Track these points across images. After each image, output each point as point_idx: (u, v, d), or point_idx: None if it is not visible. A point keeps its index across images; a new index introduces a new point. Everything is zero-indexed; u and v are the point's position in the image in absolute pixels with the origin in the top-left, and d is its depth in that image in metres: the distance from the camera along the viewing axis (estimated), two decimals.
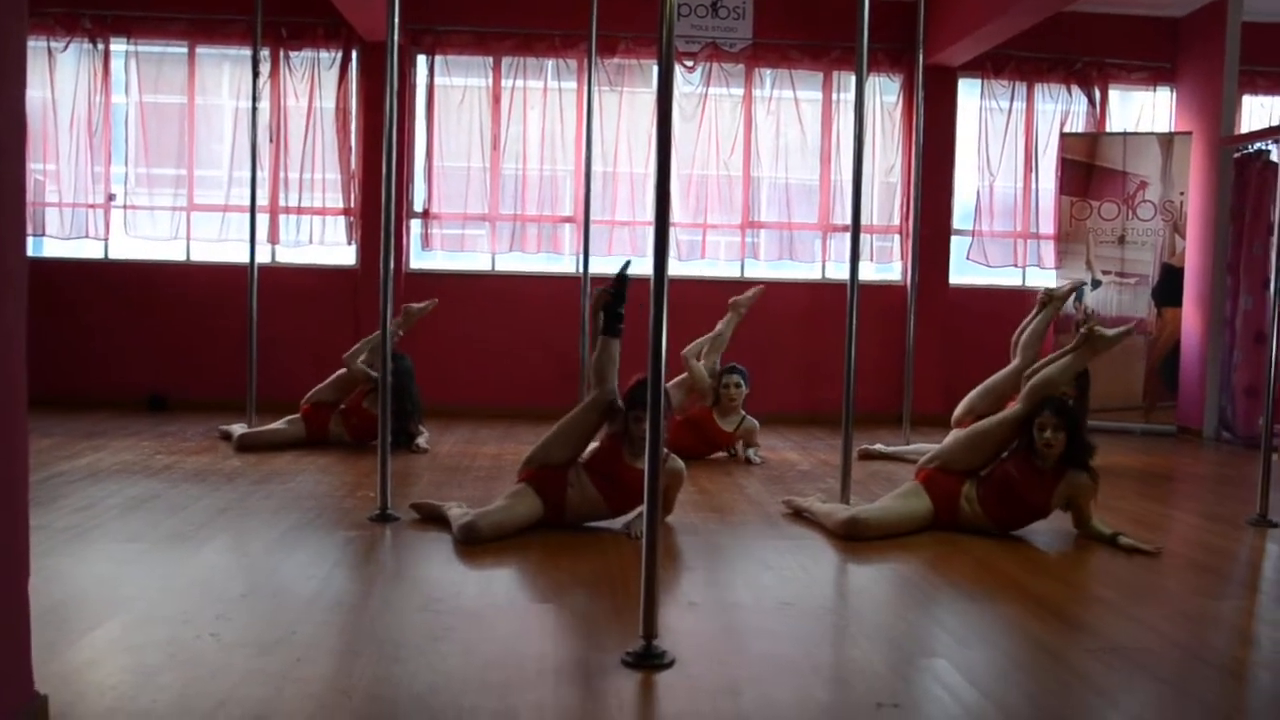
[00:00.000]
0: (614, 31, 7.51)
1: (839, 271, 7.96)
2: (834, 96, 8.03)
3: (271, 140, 7.64)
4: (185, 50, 7.72)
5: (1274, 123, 7.98)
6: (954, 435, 4.76)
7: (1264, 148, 7.23)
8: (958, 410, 5.67)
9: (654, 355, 2.62)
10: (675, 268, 7.32)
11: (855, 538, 4.02)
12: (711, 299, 6.85)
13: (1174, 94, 8.26)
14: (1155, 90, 8.30)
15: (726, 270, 8.12)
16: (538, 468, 4.08)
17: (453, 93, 7.88)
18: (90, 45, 7.64)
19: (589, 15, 6.47)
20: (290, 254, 7.92)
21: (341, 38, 7.69)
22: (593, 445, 4.18)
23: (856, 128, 4.44)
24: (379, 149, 5.79)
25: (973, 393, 5.68)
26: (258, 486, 4.78)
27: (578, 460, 4.11)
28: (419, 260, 8.01)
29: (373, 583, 3.38)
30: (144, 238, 7.74)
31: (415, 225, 7.92)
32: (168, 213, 7.71)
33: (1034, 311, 5.83)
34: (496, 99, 7.85)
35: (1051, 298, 5.82)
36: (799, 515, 4.44)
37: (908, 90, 7.97)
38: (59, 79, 7.62)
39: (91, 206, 7.65)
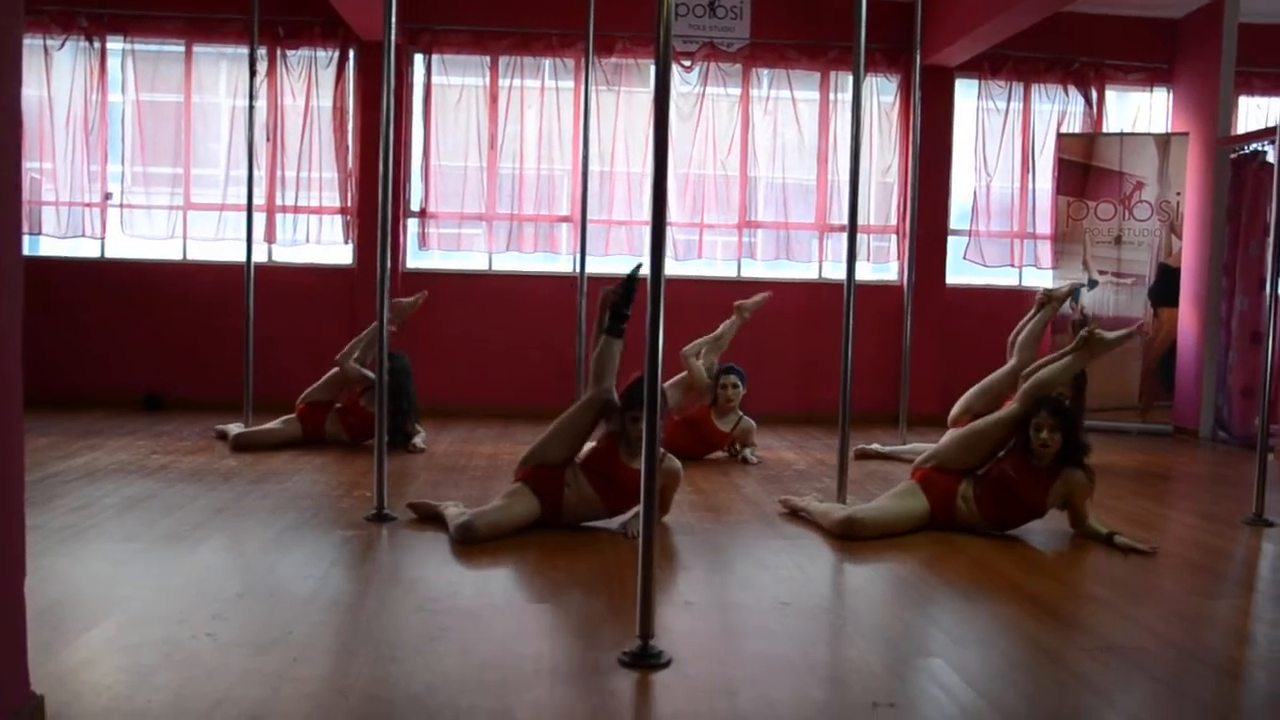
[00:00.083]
0: (611, 31, 7.49)
1: (836, 271, 7.96)
2: (831, 96, 8.03)
3: (268, 139, 7.63)
4: (182, 49, 7.70)
5: (1270, 124, 7.99)
6: (950, 435, 4.77)
7: (1260, 148, 7.24)
8: (954, 410, 5.68)
9: (650, 354, 2.62)
10: (672, 267, 7.34)
11: (852, 537, 4.02)
12: (708, 299, 6.86)
13: (1171, 95, 8.27)
14: (1152, 91, 8.31)
15: (723, 270, 8.12)
16: (534, 467, 4.08)
17: (450, 92, 7.88)
18: (87, 43, 7.62)
19: (586, 15, 6.47)
20: (287, 253, 7.91)
21: (338, 37, 7.69)
22: (590, 445, 4.18)
23: (854, 128, 4.45)
24: (376, 148, 5.80)
25: (969, 392, 5.69)
26: (254, 486, 4.78)
27: (575, 460, 4.11)
28: (416, 259, 8.01)
29: (369, 582, 3.38)
30: (140, 237, 7.73)
31: (412, 224, 7.91)
32: (164, 212, 7.70)
33: (1032, 312, 5.85)
34: (494, 98, 7.84)
35: (1050, 298, 5.83)
36: (795, 515, 4.45)
37: (905, 90, 7.98)
38: (55, 77, 7.59)
39: (88, 205, 7.63)
